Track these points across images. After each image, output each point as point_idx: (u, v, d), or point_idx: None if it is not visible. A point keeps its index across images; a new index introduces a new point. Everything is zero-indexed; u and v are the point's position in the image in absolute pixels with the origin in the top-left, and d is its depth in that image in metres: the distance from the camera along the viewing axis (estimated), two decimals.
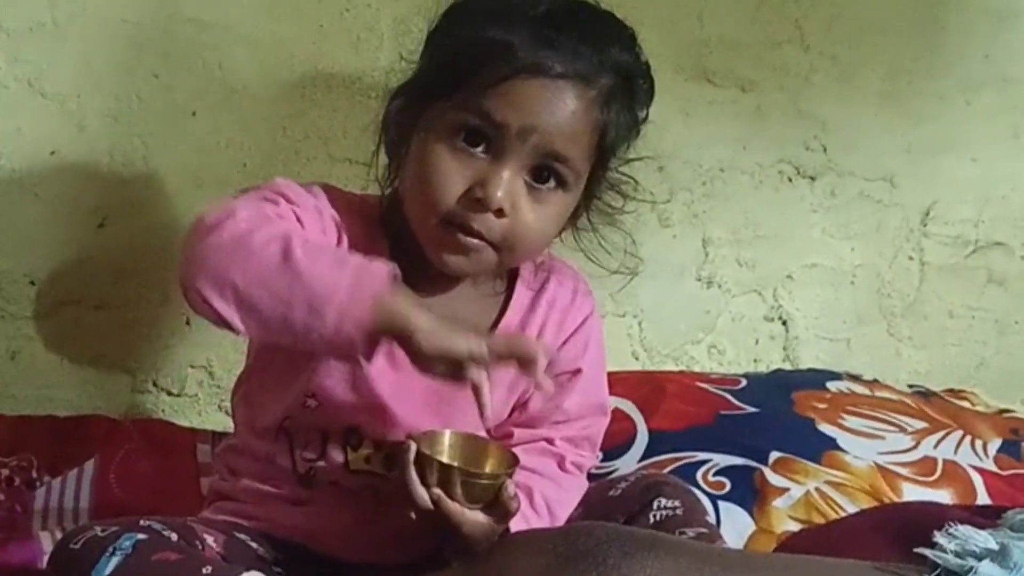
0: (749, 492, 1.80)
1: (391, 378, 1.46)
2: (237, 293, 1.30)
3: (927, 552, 1.44)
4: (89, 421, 1.93)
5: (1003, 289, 2.50)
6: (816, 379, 2.15)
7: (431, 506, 1.37)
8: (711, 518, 1.65)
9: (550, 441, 1.57)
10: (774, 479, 1.81)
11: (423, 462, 1.38)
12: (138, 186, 2.03)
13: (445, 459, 1.41)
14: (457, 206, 1.41)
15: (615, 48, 1.46)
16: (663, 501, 1.51)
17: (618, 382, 2.06)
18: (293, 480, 1.51)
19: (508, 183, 1.40)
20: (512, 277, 1.58)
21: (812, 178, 2.34)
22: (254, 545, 1.50)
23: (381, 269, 1.30)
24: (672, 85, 2.23)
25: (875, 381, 2.20)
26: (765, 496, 1.79)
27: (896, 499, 1.83)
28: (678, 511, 1.50)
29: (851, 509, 1.78)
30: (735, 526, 1.74)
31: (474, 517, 1.39)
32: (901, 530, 1.63)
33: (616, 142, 1.49)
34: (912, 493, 1.84)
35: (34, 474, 1.81)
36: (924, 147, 2.39)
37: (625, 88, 1.48)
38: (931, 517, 1.63)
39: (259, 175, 1.99)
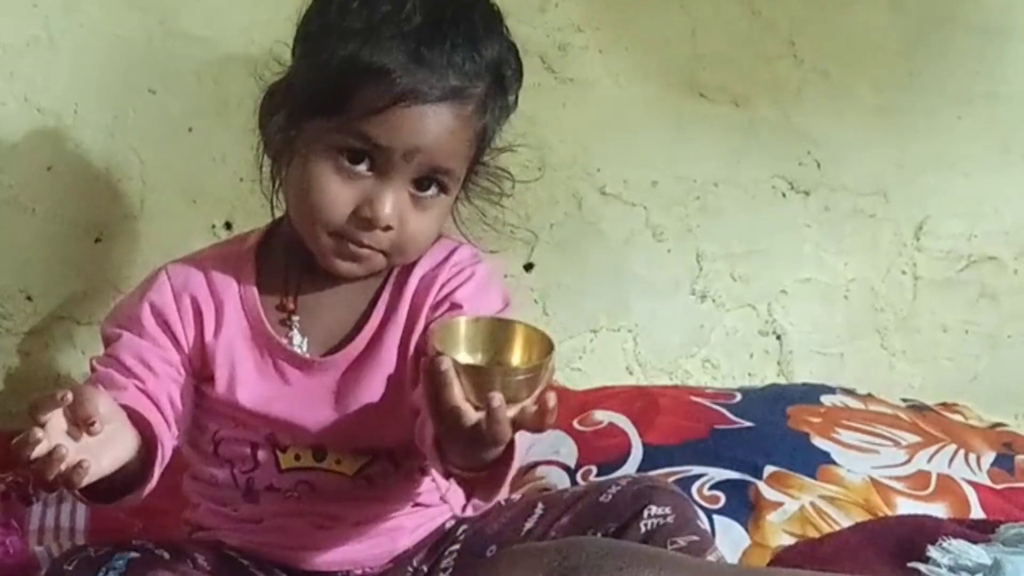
0: (744, 506, 1.80)
1: (269, 392, 1.50)
2: None
3: (921, 567, 1.45)
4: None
5: (996, 303, 2.50)
6: (810, 393, 2.15)
7: (473, 420, 1.23)
8: (703, 523, 1.64)
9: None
10: (769, 493, 1.81)
11: (439, 374, 1.22)
12: (134, 201, 2.03)
13: (468, 358, 1.27)
14: (346, 224, 1.43)
15: (485, 47, 1.44)
16: (654, 508, 1.50)
17: (612, 397, 2.07)
18: (238, 496, 1.54)
19: (394, 201, 1.42)
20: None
21: (805, 193, 2.34)
22: (245, 562, 1.53)
23: None
24: (665, 100, 2.25)
25: (869, 395, 2.20)
26: (760, 510, 1.79)
27: (890, 513, 1.82)
28: (669, 519, 1.49)
29: (845, 523, 1.78)
30: (730, 540, 1.73)
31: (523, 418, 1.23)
32: (895, 544, 1.64)
33: (492, 137, 1.51)
34: (906, 507, 1.84)
35: (30, 490, 1.80)
36: (916, 162, 2.39)
37: (498, 83, 1.47)
38: (925, 531, 1.64)
39: (254, 190, 1.98)
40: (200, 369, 1.51)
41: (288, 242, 1.53)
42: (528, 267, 2.21)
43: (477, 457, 1.28)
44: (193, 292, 1.51)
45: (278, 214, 1.56)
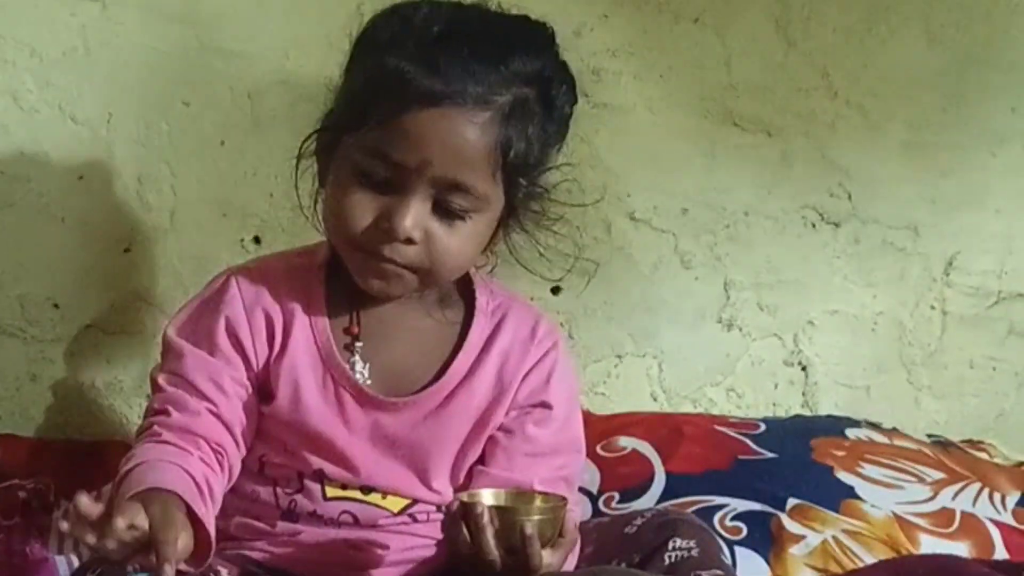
0: (766, 538, 1.79)
1: (329, 423, 1.50)
2: None
3: None
4: (107, 446, 1.93)
5: None
6: (835, 426, 2.14)
7: (500, 562, 1.37)
8: (727, 558, 1.64)
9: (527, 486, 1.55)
10: (791, 526, 1.81)
11: (474, 517, 1.37)
12: (164, 213, 2.04)
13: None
14: (370, 238, 1.43)
15: (516, 59, 1.43)
16: (678, 541, 1.49)
17: (636, 423, 2.06)
18: (277, 515, 1.53)
19: (414, 213, 1.41)
20: (470, 306, 1.59)
21: (836, 224, 2.33)
22: None
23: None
24: (698, 127, 2.24)
25: (894, 430, 2.19)
26: (782, 543, 1.78)
27: (913, 550, 1.81)
28: (693, 552, 1.49)
29: (868, 559, 1.77)
30: (751, 572, 1.73)
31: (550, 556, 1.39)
32: None
33: (528, 154, 1.46)
34: (930, 544, 1.83)
35: (51, 498, 1.80)
36: (948, 197, 2.38)
37: (536, 97, 1.45)
38: (951, 571, 1.63)
39: (284, 205, 1.99)
40: (263, 386, 1.51)
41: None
42: (555, 290, 2.21)
43: None
44: (265, 307, 1.51)
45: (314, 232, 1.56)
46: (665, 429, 2.03)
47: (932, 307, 2.43)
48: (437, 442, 1.52)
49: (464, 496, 1.42)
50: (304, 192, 1.54)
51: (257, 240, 2.06)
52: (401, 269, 1.45)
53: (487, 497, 1.44)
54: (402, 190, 1.41)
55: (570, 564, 1.45)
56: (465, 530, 1.37)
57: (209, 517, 1.35)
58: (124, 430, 2.03)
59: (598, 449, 1.97)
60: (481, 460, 1.56)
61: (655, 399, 2.31)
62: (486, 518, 1.36)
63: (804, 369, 2.39)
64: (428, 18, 1.43)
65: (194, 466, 1.39)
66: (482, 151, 1.41)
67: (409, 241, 1.42)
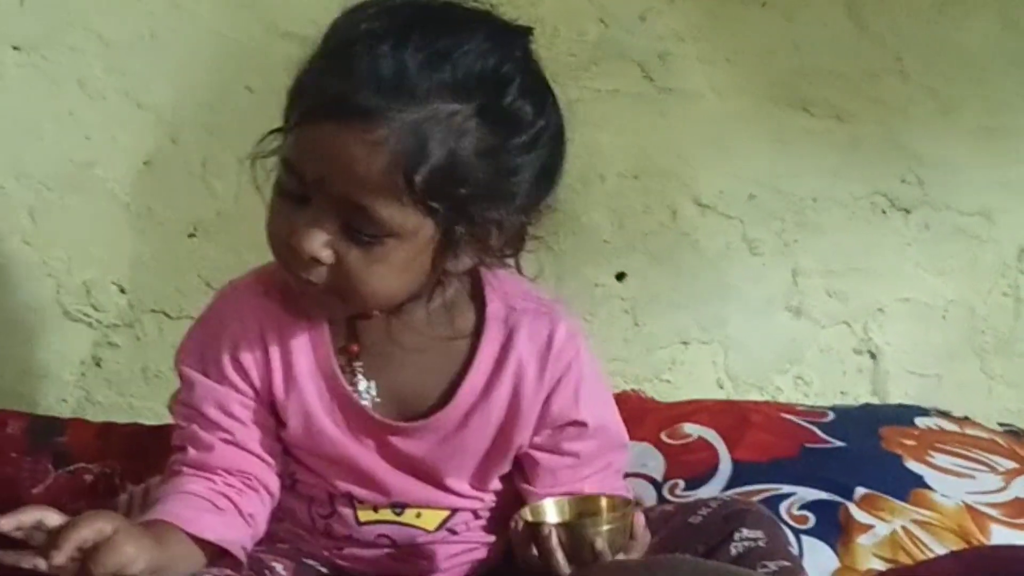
0: (833, 528, 1.77)
1: (342, 448, 1.44)
2: None
3: None
4: (172, 430, 1.93)
5: None
6: (905, 414, 2.11)
7: None
8: (794, 549, 1.62)
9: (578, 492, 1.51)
10: (859, 515, 1.78)
11: (541, 539, 1.35)
12: (229, 199, 2.04)
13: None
14: (286, 253, 1.32)
15: (447, 68, 1.25)
16: (745, 532, 1.47)
17: (702, 410, 2.04)
18: (316, 532, 1.51)
19: (314, 233, 1.28)
20: (480, 313, 1.46)
21: (907, 211, 2.31)
22: (324, 570, 1.51)
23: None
24: (766, 113, 2.22)
25: (965, 418, 2.15)
26: (850, 533, 1.76)
27: (984, 541, 1.79)
28: (760, 542, 1.45)
29: (938, 549, 1.74)
30: (818, 562, 1.70)
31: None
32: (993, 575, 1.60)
33: (453, 176, 1.27)
34: (1001, 535, 1.80)
35: (117, 481, 1.82)
36: (1022, 183, 2.35)
37: (473, 113, 1.26)
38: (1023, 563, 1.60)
39: None
40: (272, 411, 1.45)
41: None
42: (620, 276, 2.20)
43: None
44: (265, 332, 1.43)
45: None
46: (731, 417, 2.01)
47: (1005, 294, 2.40)
48: (456, 462, 1.46)
49: (528, 515, 1.38)
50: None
51: None
52: (319, 290, 1.33)
53: (551, 509, 1.40)
54: (305, 204, 1.29)
55: None
56: (535, 549, 1.35)
57: (210, 524, 1.33)
58: None
59: (663, 436, 1.95)
60: (524, 477, 1.51)
61: (721, 386, 2.30)
62: (554, 540, 1.33)
63: (874, 357, 2.37)
64: (369, 17, 1.29)
65: (201, 490, 1.38)
66: (375, 172, 1.24)
67: (316, 261, 1.30)
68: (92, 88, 1.99)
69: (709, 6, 2.17)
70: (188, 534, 1.31)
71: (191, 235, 2.05)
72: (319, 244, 1.29)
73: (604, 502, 1.42)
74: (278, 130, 1.35)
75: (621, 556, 1.35)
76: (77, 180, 2.00)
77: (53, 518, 1.20)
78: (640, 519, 1.39)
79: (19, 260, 2.01)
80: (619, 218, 2.17)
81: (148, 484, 1.79)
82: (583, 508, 1.41)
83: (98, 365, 2.05)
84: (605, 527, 1.34)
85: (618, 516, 1.37)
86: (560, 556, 1.33)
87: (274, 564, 1.44)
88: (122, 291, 2.04)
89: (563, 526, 1.36)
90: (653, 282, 2.21)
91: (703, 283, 2.25)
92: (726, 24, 2.19)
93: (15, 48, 1.96)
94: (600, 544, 1.33)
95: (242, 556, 1.36)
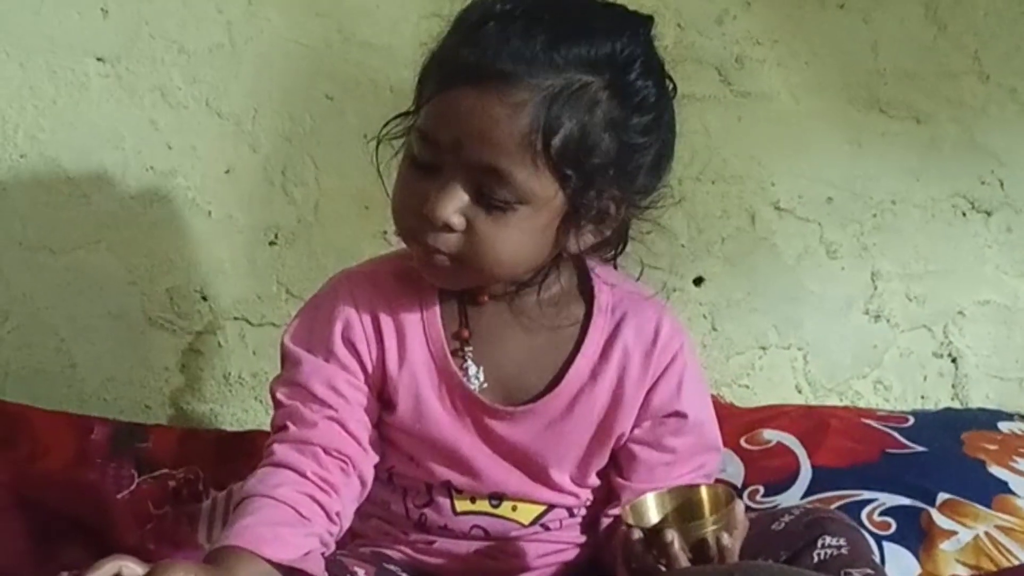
0: (915, 534, 1.75)
1: (452, 435, 1.47)
2: None
3: None
4: (254, 436, 1.96)
5: None
6: (987, 419, 2.10)
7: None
8: (876, 557, 1.61)
9: None
10: (942, 521, 1.77)
11: (663, 547, 1.34)
12: (308, 206, 2.06)
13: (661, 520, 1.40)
14: (415, 224, 1.36)
15: (580, 43, 1.31)
16: (828, 539, 1.46)
17: (781, 416, 2.04)
18: (410, 525, 1.52)
19: (448, 199, 1.33)
20: (588, 303, 1.50)
21: (987, 213, 2.28)
22: (405, 575, 1.52)
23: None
24: (844, 115, 2.21)
25: None
26: (932, 538, 1.74)
27: None
28: (843, 550, 1.45)
29: (1022, 556, 1.73)
30: (900, 568, 1.69)
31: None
32: None
33: (584, 145, 1.33)
34: None
35: (200, 487, 1.84)
36: None
37: (604, 86, 1.33)
38: None
39: None
40: (381, 394, 1.47)
41: None
42: (698, 281, 2.19)
43: None
44: (379, 313, 1.46)
45: None
46: (810, 422, 2.00)
47: None
48: (559, 450, 1.49)
49: (629, 517, 1.38)
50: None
51: None
52: (446, 260, 1.37)
53: (652, 504, 1.41)
54: (438, 172, 1.34)
55: None
56: (654, 556, 1.34)
57: (288, 540, 1.32)
58: (269, 422, 2.06)
59: (742, 442, 1.95)
60: (619, 472, 1.53)
61: (799, 391, 2.28)
62: (677, 546, 1.32)
63: (954, 361, 2.34)
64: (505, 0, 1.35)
65: (288, 493, 1.37)
66: (515, 135, 1.30)
67: (448, 228, 1.34)
68: (173, 98, 2.01)
69: (786, 9, 2.16)
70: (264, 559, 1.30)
71: (272, 243, 2.06)
72: (452, 209, 1.33)
73: (705, 492, 1.42)
74: (405, 114, 1.41)
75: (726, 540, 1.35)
76: (159, 189, 2.02)
77: (133, 569, 1.21)
78: (741, 507, 1.38)
79: (103, 269, 2.04)
80: (696, 222, 2.17)
81: (231, 489, 1.81)
82: (683, 498, 1.41)
83: (182, 371, 2.07)
84: (712, 527, 1.35)
85: (727, 512, 1.37)
86: (683, 560, 1.33)
87: (356, 569, 1.45)
88: (204, 298, 2.06)
89: (680, 528, 1.35)
90: (731, 287, 2.20)
91: (781, 287, 2.24)
92: (803, 26, 2.18)
93: (98, 59, 1.99)
94: (727, 541, 1.34)
95: (320, 569, 1.35)
